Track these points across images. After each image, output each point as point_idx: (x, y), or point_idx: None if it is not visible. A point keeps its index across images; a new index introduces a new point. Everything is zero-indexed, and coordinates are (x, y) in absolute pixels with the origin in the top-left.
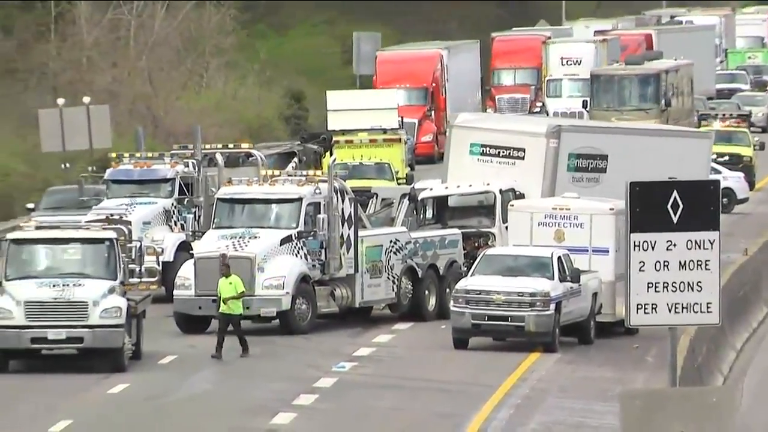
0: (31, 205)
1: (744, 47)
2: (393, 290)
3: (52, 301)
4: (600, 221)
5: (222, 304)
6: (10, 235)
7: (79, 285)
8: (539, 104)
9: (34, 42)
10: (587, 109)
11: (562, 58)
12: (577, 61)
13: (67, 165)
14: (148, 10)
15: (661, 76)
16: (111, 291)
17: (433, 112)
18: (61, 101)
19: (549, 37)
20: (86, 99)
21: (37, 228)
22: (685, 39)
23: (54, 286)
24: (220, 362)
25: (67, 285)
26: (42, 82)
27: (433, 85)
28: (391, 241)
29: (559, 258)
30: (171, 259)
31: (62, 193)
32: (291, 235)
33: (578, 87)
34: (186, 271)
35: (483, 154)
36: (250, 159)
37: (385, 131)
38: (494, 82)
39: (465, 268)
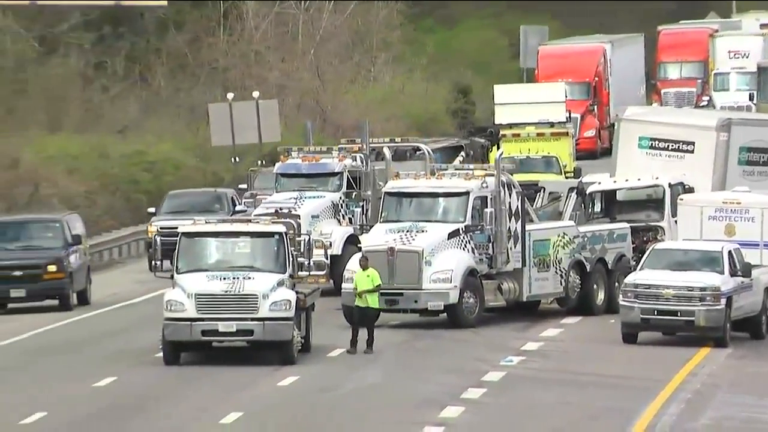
0: (152, 210)
1: None
2: (561, 284)
3: (223, 294)
4: None
5: (358, 297)
6: (182, 229)
7: (249, 278)
8: (705, 98)
9: (204, 37)
10: (754, 101)
11: (729, 52)
12: (744, 54)
13: (237, 159)
14: (315, 5)
15: None
16: (280, 284)
17: (595, 107)
18: (230, 96)
19: (716, 30)
20: (255, 93)
21: (208, 222)
22: None
23: (224, 279)
24: (392, 355)
25: (237, 278)
26: (212, 77)
27: (596, 79)
28: (558, 235)
29: (730, 252)
30: (339, 253)
31: (183, 197)
32: (458, 229)
33: (746, 80)
34: (354, 265)
35: (652, 147)
36: (418, 153)
37: (552, 125)
38: (660, 75)
39: (634, 263)
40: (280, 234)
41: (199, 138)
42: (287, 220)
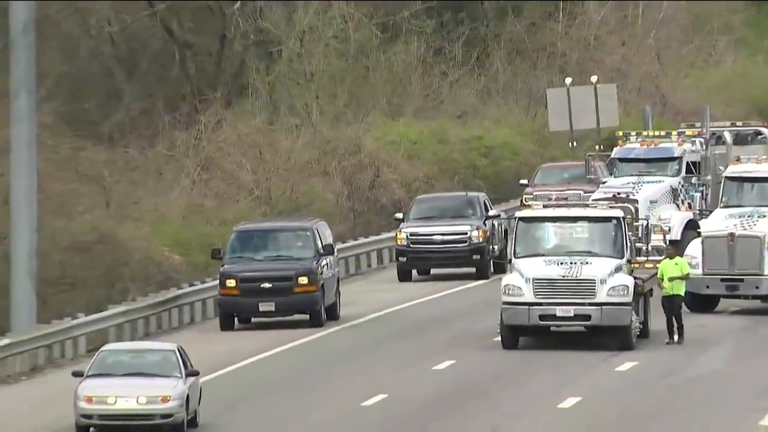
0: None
1: None
2: None
3: (561, 278)
4: None
5: (666, 285)
6: (519, 214)
7: (587, 263)
8: None
9: (542, 22)
10: None
11: None
12: None
13: (575, 144)
14: None
15: None
16: (618, 269)
17: None
18: (568, 80)
19: None
20: (594, 78)
21: (545, 206)
22: None
23: (562, 263)
24: (731, 341)
25: (575, 263)
26: (550, 61)
27: None
28: None
29: None
30: (678, 238)
31: (432, 201)
32: None
33: None
34: (693, 250)
35: None
36: (759, 137)
37: None
38: None
39: None
40: (618, 219)
41: (536, 123)
42: (625, 204)
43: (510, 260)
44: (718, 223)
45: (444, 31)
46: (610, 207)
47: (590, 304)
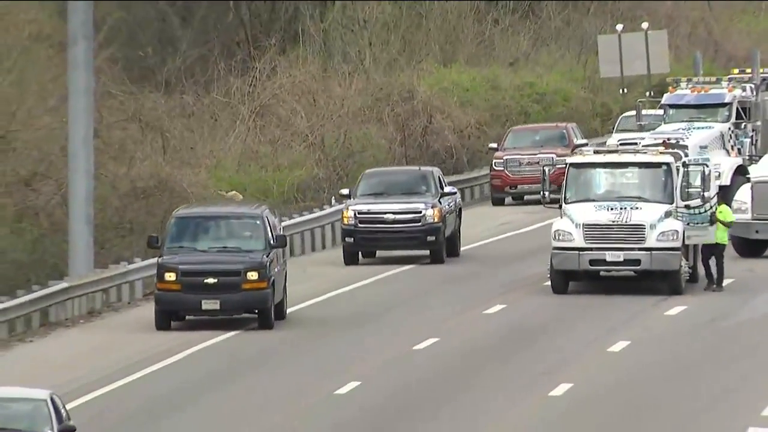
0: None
1: None
2: None
3: (611, 223)
4: None
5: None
6: (569, 160)
7: (637, 208)
8: None
9: None
10: None
11: None
12: None
13: (625, 90)
14: None
15: None
16: (668, 215)
17: None
18: (619, 27)
19: None
20: (644, 24)
21: (596, 152)
22: None
23: (612, 209)
24: None
25: (625, 208)
26: (602, 8)
27: None
28: None
29: None
30: (728, 183)
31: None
32: None
33: None
34: (743, 195)
35: None
36: None
37: None
38: None
39: None
40: (668, 164)
41: (588, 70)
42: (675, 150)
43: (561, 206)
44: (767, 168)
45: None
46: (660, 153)
47: (640, 249)
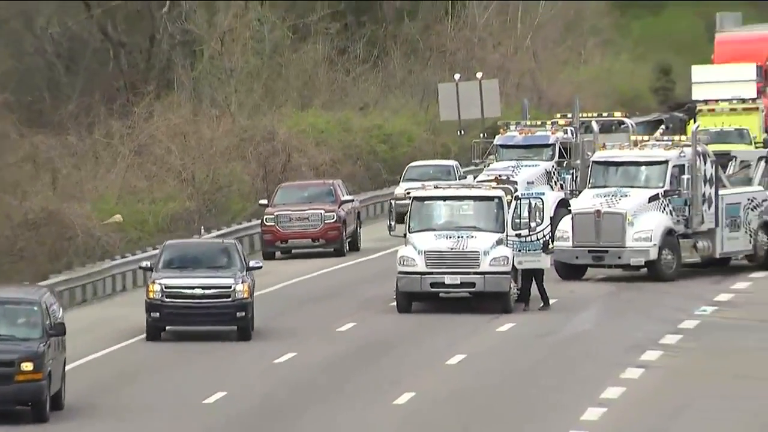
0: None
1: None
2: (750, 243)
3: (449, 250)
4: None
5: None
6: (414, 193)
7: (472, 237)
8: None
9: (434, 25)
10: None
11: None
12: None
13: (462, 132)
14: None
15: None
16: (499, 242)
17: (766, 89)
18: (457, 76)
19: None
20: (479, 74)
21: (436, 187)
22: None
23: (450, 237)
24: (598, 305)
25: (462, 237)
26: (440, 59)
27: (767, 63)
28: (748, 199)
29: None
30: (551, 215)
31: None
32: (658, 194)
33: None
34: (565, 225)
35: None
36: (622, 126)
37: (744, 101)
38: None
39: None
40: (499, 198)
41: (429, 114)
42: (506, 186)
43: (405, 234)
44: (586, 201)
45: (347, 33)
46: (493, 188)
47: (475, 273)
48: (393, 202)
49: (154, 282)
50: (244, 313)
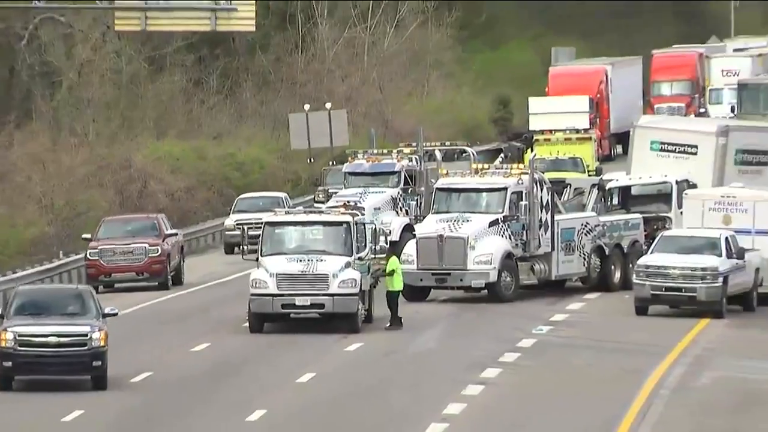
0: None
1: None
2: (584, 265)
3: (300, 273)
4: (762, 207)
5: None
6: (266, 219)
7: (322, 260)
8: (693, 114)
9: (285, 57)
10: (735, 113)
11: (723, 70)
12: (736, 72)
13: (312, 159)
14: (379, 30)
15: None
16: (347, 265)
17: (597, 120)
18: (307, 107)
19: (701, 54)
20: (328, 105)
21: (287, 213)
22: None
23: (301, 261)
24: (442, 325)
25: (312, 260)
26: (291, 90)
27: (598, 95)
28: (582, 224)
29: (727, 238)
30: (397, 239)
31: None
32: (497, 219)
33: (736, 95)
34: (410, 249)
35: (662, 150)
36: (464, 155)
37: (578, 131)
38: (654, 93)
39: (645, 247)
40: (347, 223)
41: (280, 142)
42: (354, 211)
43: (257, 258)
44: (429, 226)
45: (202, 65)
46: (342, 213)
47: (324, 295)
48: (245, 227)
49: (6, 330)
50: (100, 363)
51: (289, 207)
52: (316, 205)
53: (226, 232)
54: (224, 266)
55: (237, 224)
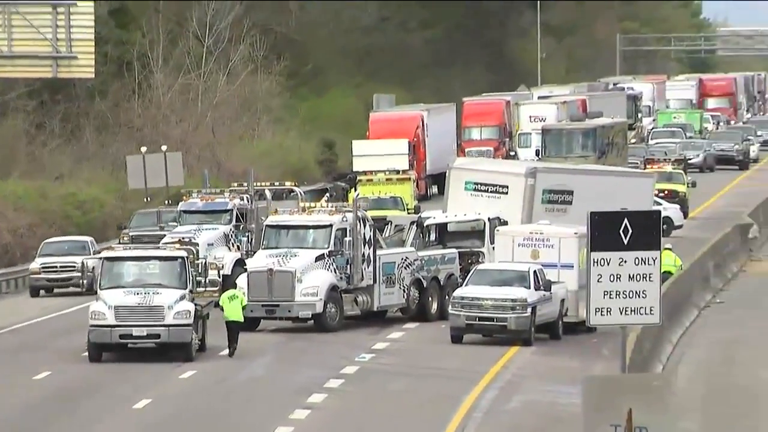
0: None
1: (677, 108)
2: (403, 297)
3: (137, 305)
4: (567, 243)
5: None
6: (104, 254)
7: (158, 293)
8: (501, 157)
9: (123, 103)
10: (539, 157)
11: (530, 116)
12: (542, 118)
13: (149, 198)
14: (212, 77)
15: (597, 131)
16: (182, 298)
17: (415, 162)
18: (143, 149)
19: (508, 101)
20: (164, 147)
21: (125, 248)
22: (606, 101)
23: (138, 293)
24: (271, 353)
25: (148, 293)
26: (129, 134)
27: (415, 139)
28: (402, 259)
29: (535, 272)
30: (229, 273)
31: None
32: (323, 254)
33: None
34: (242, 282)
35: (475, 189)
36: (292, 194)
37: (398, 172)
38: (465, 137)
39: (460, 280)
40: (182, 258)
41: (119, 182)
42: (188, 247)
43: (96, 291)
44: (260, 260)
45: (44, 109)
46: (177, 248)
47: (160, 326)
48: (84, 261)
49: None
50: None
51: (94, 250)
52: (172, 235)
53: (31, 276)
54: (67, 299)
55: (42, 268)
